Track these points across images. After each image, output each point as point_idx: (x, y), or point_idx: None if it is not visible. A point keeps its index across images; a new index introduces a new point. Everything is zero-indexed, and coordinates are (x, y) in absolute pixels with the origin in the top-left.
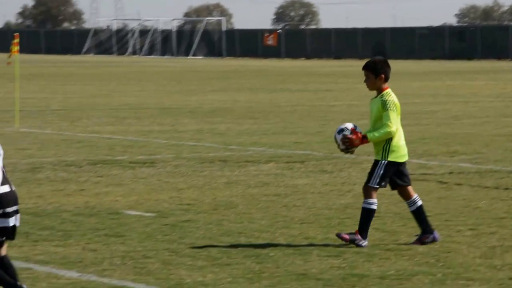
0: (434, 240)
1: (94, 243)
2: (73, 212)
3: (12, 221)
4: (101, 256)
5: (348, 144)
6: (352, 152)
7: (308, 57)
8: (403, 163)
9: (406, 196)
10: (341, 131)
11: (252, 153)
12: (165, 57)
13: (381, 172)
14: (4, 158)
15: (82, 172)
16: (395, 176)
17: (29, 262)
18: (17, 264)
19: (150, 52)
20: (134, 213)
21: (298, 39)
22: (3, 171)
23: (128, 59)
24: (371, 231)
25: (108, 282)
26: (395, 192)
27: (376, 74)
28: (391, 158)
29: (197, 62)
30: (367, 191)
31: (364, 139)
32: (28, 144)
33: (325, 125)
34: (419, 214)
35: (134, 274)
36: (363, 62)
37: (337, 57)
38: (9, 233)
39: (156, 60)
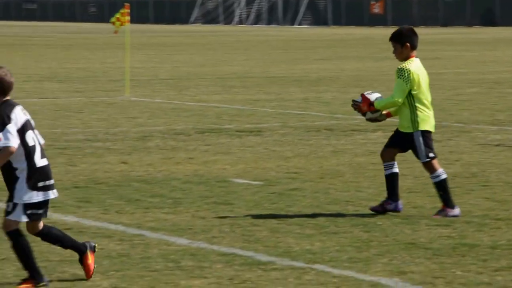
0: (396, 209)
1: (203, 210)
2: (183, 180)
3: (52, 194)
4: (210, 224)
5: (357, 110)
6: (373, 120)
7: (415, 25)
8: (430, 133)
9: (389, 158)
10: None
11: (358, 122)
12: (271, 26)
13: (422, 143)
14: (115, 126)
15: (191, 140)
16: (402, 140)
17: (141, 229)
18: (129, 230)
19: (256, 21)
20: (241, 181)
21: (404, 6)
22: (40, 145)
23: (235, 28)
24: (481, 200)
25: (217, 249)
26: (506, 161)
27: (401, 43)
28: (422, 127)
29: (303, 31)
30: (428, 167)
31: (371, 106)
32: (138, 113)
33: (432, 93)
34: (391, 181)
35: (243, 242)
36: (471, 30)
37: (444, 24)
38: (47, 207)
39: (262, 29)
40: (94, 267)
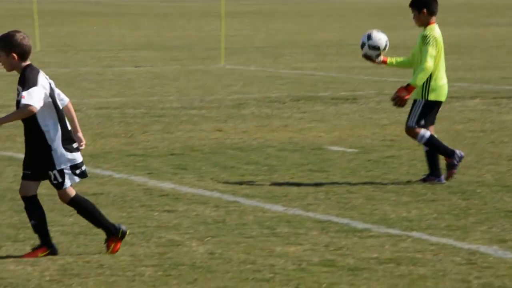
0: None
1: (298, 178)
2: (277, 148)
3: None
4: (305, 191)
5: (399, 102)
6: (367, 58)
7: None
8: (440, 103)
9: (412, 134)
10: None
11: (456, 89)
12: None
13: (419, 111)
14: (211, 94)
15: (286, 108)
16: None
17: (236, 196)
18: (224, 197)
19: None
20: (337, 149)
21: None
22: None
23: None
24: None
25: (313, 216)
26: None
27: (419, 9)
28: (432, 97)
29: None
30: (410, 133)
31: (409, 87)
32: (233, 80)
33: None
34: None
35: (338, 209)
36: None
37: None
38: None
39: None
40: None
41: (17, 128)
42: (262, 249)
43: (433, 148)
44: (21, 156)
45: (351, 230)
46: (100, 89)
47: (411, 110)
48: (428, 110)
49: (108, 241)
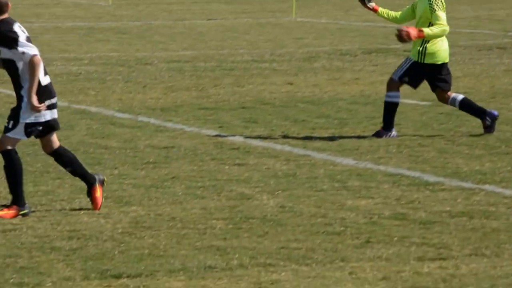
0: (494, 117)
1: (369, 131)
2: (349, 101)
3: (56, 113)
4: (376, 144)
5: (402, 37)
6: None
7: None
8: (439, 67)
9: (442, 99)
10: None
11: None
12: None
13: (406, 67)
14: (281, 47)
15: (357, 61)
16: (431, 78)
17: (307, 149)
18: (295, 150)
19: None
20: (409, 102)
21: None
22: (42, 62)
23: None
24: None
25: (384, 169)
26: None
27: None
28: (428, 60)
29: None
30: (389, 84)
31: (421, 32)
32: (304, 33)
33: None
34: (466, 106)
35: (410, 162)
36: None
37: None
38: (57, 124)
39: None
40: (102, 200)
41: (90, 82)
42: (333, 202)
43: (386, 112)
44: (94, 109)
45: (423, 183)
46: (171, 43)
47: (401, 64)
48: (416, 71)
49: (7, 208)
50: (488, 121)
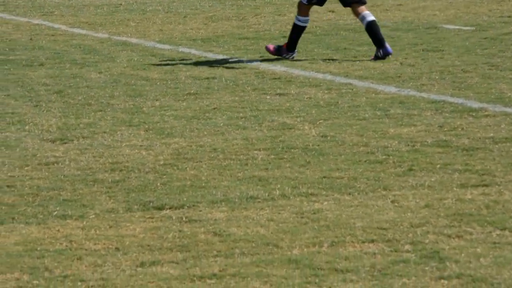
0: (387, 53)
1: (412, 58)
2: (391, 28)
3: None
4: (419, 71)
5: None
6: None
7: None
8: None
9: (355, 14)
10: None
11: None
12: None
13: None
14: None
15: None
16: None
17: (349, 78)
18: (337, 79)
19: None
20: (452, 27)
21: None
22: None
23: None
24: None
25: (426, 96)
26: None
27: None
28: None
29: None
30: (299, 7)
31: None
32: None
33: None
34: (370, 31)
35: (453, 89)
36: None
37: None
38: None
39: None
40: None
41: (130, 13)
42: (375, 130)
43: (293, 33)
44: (135, 40)
45: (466, 109)
46: None
47: None
48: None
49: None
50: (380, 54)
